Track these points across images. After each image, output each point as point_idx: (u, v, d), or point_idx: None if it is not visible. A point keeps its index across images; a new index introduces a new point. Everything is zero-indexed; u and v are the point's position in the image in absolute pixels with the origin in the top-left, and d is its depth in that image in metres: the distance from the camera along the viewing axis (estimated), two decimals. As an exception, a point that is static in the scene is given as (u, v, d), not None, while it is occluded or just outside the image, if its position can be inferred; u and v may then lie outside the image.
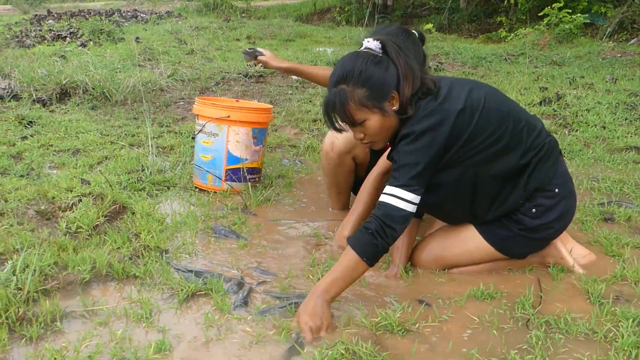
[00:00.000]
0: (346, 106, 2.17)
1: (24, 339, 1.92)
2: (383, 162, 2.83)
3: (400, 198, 2.11)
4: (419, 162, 2.12)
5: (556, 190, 2.32)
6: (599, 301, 2.19)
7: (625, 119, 4.92)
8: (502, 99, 2.33)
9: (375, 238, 2.08)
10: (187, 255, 2.62)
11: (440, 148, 2.15)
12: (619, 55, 7.67)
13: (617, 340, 1.91)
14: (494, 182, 2.28)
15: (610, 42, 8.59)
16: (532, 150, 2.28)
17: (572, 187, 2.44)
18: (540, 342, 1.93)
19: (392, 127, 2.24)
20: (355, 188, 3.20)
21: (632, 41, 8.58)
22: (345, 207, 3.25)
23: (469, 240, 2.44)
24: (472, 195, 2.29)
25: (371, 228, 2.09)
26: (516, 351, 1.88)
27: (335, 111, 2.22)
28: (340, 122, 2.28)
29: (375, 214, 2.13)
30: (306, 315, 2.01)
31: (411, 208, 2.13)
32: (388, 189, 2.14)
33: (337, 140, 2.98)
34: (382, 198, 2.14)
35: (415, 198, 2.13)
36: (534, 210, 2.32)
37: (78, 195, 3.00)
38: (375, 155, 3.04)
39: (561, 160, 2.41)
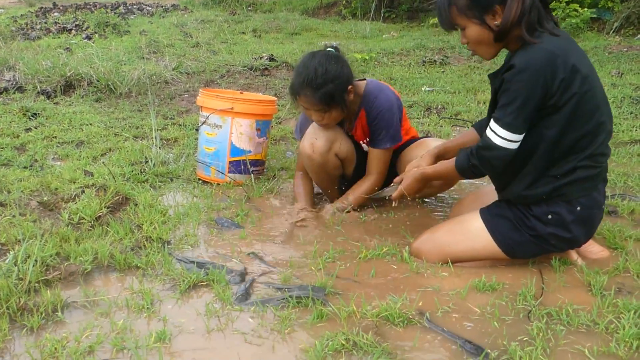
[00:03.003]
0: (449, 10, 2.28)
1: (25, 329, 1.93)
2: (373, 170, 2.97)
3: (504, 138, 2.18)
4: (523, 102, 2.14)
5: (578, 208, 2.25)
6: (601, 293, 2.18)
7: (631, 113, 4.90)
8: (604, 98, 2.29)
9: (474, 167, 2.31)
10: (189, 247, 2.62)
11: (541, 91, 2.13)
12: (625, 49, 7.62)
13: (618, 331, 1.91)
14: (543, 159, 2.25)
15: (617, 37, 8.54)
16: (589, 160, 2.23)
17: (595, 217, 2.33)
18: (541, 334, 1.92)
19: (489, 42, 2.27)
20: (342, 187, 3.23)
21: (639, 36, 8.53)
22: (340, 195, 3.24)
23: (477, 239, 2.41)
24: (519, 160, 2.28)
25: (473, 160, 2.29)
26: (517, 342, 1.87)
27: (441, 13, 2.32)
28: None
29: (480, 149, 2.27)
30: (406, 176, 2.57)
31: (514, 146, 2.18)
32: (493, 125, 2.21)
33: (316, 141, 2.94)
34: (488, 133, 2.23)
35: (519, 137, 2.17)
36: (549, 216, 2.27)
37: (81, 187, 3.01)
38: (361, 153, 3.03)
39: (601, 188, 2.32)
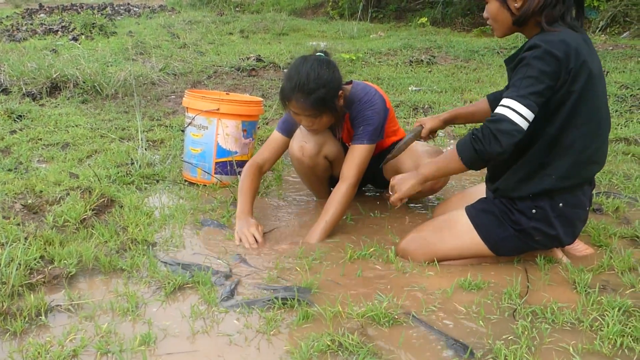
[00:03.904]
0: None
1: (8, 334, 1.91)
2: (346, 174, 2.82)
3: (515, 111, 2.12)
4: (539, 77, 2.12)
5: (560, 204, 2.27)
6: (586, 290, 2.19)
7: (616, 111, 4.94)
8: (605, 106, 2.32)
9: (476, 142, 2.17)
10: (175, 248, 2.61)
11: (555, 75, 2.13)
12: (611, 48, 7.67)
13: (602, 329, 1.92)
14: (539, 155, 2.26)
15: (603, 36, 8.60)
16: (585, 167, 2.26)
17: (579, 217, 2.34)
18: (526, 332, 1.93)
19: (505, 22, 2.30)
20: (332, 184, 3.18)
21: (624, 34, 8.59)
22: (329, 194, 3.21)
23: (463, 236, 2.42)
24: (517, 151, 2.25)
25: (476, 133, 2.18)
26: (502, 341, 1.88)
27: None
28: None
29: (486, 122, 2.17)
30: (398, 178, 2.46)
31: (523, 124, 2.13)
32: (505, 100, 2.15)
33: (305, 144, 2.92)
34: (498, 109, 2.16)
35: (529, 114, 2.13)
36: (533, 210, 2.28)
37: (66, 189, 2.99)
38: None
39: (586, 189, 2.34)
